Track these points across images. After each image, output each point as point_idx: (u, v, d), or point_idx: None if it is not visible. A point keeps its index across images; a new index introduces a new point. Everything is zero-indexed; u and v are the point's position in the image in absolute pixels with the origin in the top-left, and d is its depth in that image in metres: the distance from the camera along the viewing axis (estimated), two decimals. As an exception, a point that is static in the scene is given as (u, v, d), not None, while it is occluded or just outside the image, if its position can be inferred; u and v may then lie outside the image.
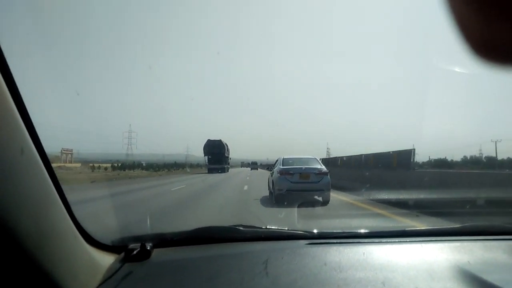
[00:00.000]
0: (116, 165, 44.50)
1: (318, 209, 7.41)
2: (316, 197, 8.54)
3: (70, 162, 50.12)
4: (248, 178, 21.32)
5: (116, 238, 1.25)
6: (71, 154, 57.11)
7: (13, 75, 0.73)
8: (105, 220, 5.01)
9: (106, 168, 40.09)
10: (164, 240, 1.32)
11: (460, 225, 1.51)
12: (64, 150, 53.58)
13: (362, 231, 1.48)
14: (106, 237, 1.19)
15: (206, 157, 42.10)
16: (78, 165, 44.78)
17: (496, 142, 57.29)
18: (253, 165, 68.74)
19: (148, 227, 4.53)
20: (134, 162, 55.23)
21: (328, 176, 8.59)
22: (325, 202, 8.21)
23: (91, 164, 42.41)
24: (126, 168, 43.32)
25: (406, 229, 1.51)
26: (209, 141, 41.88)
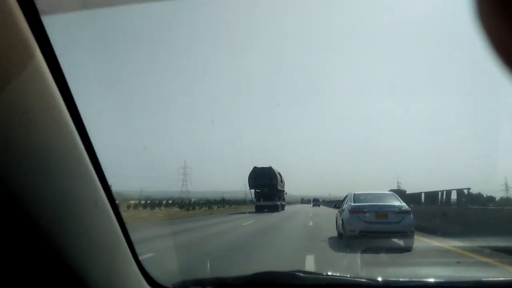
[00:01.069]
0: (143, 202, 41.91)
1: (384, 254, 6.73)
2: (396, 240, 7.53)
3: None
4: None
5: (177, 282, 1.28)
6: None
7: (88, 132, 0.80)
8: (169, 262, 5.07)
9: (128, 207, 37.27)
10: (224, 284, 1.33)
11: None
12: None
13: (431, 280, 1.40)
14: (168, 280, 1.23)
15: (253, 190, 32.24)
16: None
17: None
18: (316, 202, 66.28)
19: (208, 270, 4.59)
20: (167, 199, 54.72)
21: (411, 216, 7.42)
22: (407, 248, 7.07)
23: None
24: (155, 206, 40.94)
25: (482, 279, 1.42)
26: (255, 169, 31.88)
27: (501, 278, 1.47)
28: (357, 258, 5.94)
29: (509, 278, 1.49)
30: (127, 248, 0.95)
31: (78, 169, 0.75)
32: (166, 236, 11.83)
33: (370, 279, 1.36)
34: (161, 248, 7.60)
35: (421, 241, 8.12)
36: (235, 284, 1.35)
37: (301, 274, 1.38)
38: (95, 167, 0.81)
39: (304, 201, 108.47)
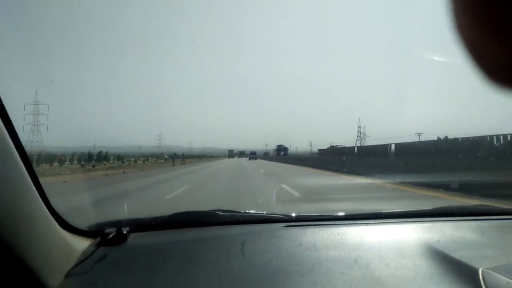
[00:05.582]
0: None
1: (297, 195, 7.64)
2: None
3: None
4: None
5: (92, 223, 1.33)
6: None
7: None
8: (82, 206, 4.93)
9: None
10: (142, 225, 1.42)
11: (432, 207, 1.71)
12: None
13: (338, 214, 1.63)
14: (82, 223, 1.28)
15: None
16: None
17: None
18: (252, 155, 64.69)
19: (125, 212, 4.60)
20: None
21: None
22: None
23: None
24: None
25: (381, 211, 1.67)
26: None
27: (396, 209, 1.70)
28: (273, 196, 6.70)
29: (404, 209, 1.73)
30: (33, 187, 0.95)
31: None
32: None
33: (284, 215, 1.57)
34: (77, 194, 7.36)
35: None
36: (153, 224, 1.45)
37: (220, 213, 1.53)
38: None
39: (232, 154, 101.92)
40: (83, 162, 42.87)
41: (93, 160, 46.03)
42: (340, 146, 35.42)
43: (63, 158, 45.47)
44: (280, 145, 69.64)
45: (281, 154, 58.65)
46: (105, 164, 40.93)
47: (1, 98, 0.86)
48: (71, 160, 45.67)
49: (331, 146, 39.04)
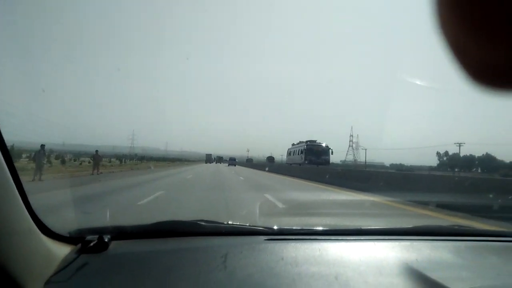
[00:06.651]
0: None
1: (279, 208, 7.72)
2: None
3: None
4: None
5: (73, 230, 1.32)
6: None
7: None
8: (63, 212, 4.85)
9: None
10: (123, 233, 1.41)
11: (412, 226, 1.76)
12: None
13: (319, 228, 1.66)
14: (63, 228, 1.26)
15: None
16: None
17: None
18: (231, 161, 63.58)
19: (107, 219, 4.56)
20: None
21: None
22: None
23: None
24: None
25: (362, 227, 1.71)
26: None
27: (377, 226, 1.75)
28: (256, 208, 6.76)
29: (385, 227, 1.78)
30: (15, 190, 0.94)
31: None
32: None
33: (266, 227, 1.59)
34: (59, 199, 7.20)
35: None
36: (135, 232, 1.44)
37: (203, 223, 1.54)
38: None
39: (209, 159, 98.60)
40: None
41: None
42: None
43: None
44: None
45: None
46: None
47: None
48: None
49: None
